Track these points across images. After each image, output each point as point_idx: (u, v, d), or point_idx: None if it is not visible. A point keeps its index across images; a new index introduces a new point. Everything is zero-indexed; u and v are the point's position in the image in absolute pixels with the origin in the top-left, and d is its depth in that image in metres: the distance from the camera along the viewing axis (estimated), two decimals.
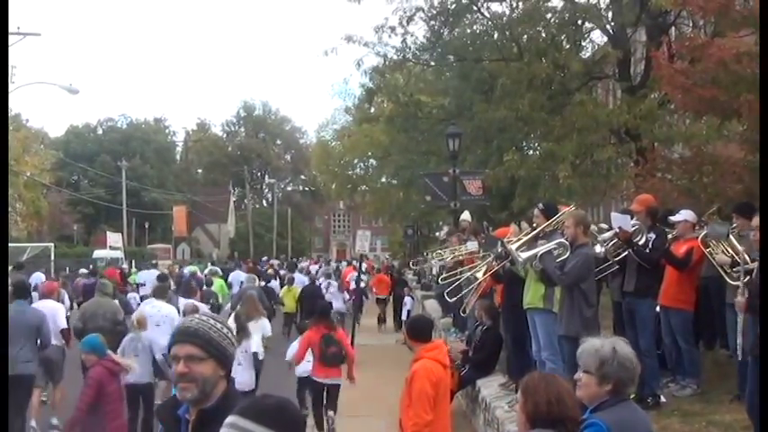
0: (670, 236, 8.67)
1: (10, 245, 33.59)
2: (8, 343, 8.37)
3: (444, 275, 11.95)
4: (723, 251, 7.79)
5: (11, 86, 32.70)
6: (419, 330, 6.72)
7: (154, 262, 41.19)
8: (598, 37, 18.62)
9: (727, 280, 7.53)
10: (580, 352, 3.85)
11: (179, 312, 12.05)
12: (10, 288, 10.20)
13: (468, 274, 10.23)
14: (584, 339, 3.97)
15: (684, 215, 8.72)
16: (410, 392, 6.27)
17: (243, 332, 10.15)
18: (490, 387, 9.86)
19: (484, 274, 9.58)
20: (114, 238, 48.70)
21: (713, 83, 9.93)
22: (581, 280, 7.54)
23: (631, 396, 3.98)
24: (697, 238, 8.51)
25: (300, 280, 22.29)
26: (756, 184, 7.36)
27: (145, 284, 22.00)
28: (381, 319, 25.73)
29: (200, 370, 2.95)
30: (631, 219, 8.27)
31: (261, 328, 11.40)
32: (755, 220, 6.43)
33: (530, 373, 3.95)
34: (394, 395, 6.96)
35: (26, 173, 48.79)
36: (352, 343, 13.53)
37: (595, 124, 15.57)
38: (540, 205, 8.67)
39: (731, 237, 7.66)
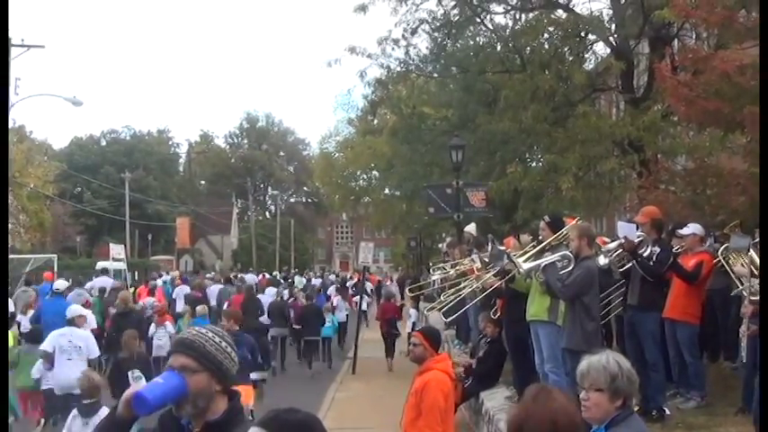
0: (679, 249, 8.65)
1: (13, 256, 33.64)
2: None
3: (449, 289, 11.91)
4: (743, 263, 7.73)
5: (16, 98, 32.85)
6: (438, 339, 6.82)
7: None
8: (601, 49, 18.58)
9: (745, 293, 7.41)
10: (585, 370, 3.65)
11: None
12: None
13: (474, 286, 10.21)
14: (582, 357, 3.80)
15: (692, 228, 8.71)
16: (419, 404, 6.25)
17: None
18: (494, 399, 9.83)
19: (485, 290, 9.59)
20: (117, 250, 48.37)
21: (716, 95, 9.90)
22: (582, 293, 7.51)
23: (636, 409, 3.96)
24: (706, 251, 8.49)
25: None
26: None
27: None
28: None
29: (193, 381, 2.96)
30: (637, 230, 8.25)
31: None
32: None
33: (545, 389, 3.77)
34: (398, 407, 6.94)
35: (30, 184, 48.76)
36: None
37: (598, 136, 15.54)
38: (546, 218, 8.60)
39: (752, 250, 7.58)
